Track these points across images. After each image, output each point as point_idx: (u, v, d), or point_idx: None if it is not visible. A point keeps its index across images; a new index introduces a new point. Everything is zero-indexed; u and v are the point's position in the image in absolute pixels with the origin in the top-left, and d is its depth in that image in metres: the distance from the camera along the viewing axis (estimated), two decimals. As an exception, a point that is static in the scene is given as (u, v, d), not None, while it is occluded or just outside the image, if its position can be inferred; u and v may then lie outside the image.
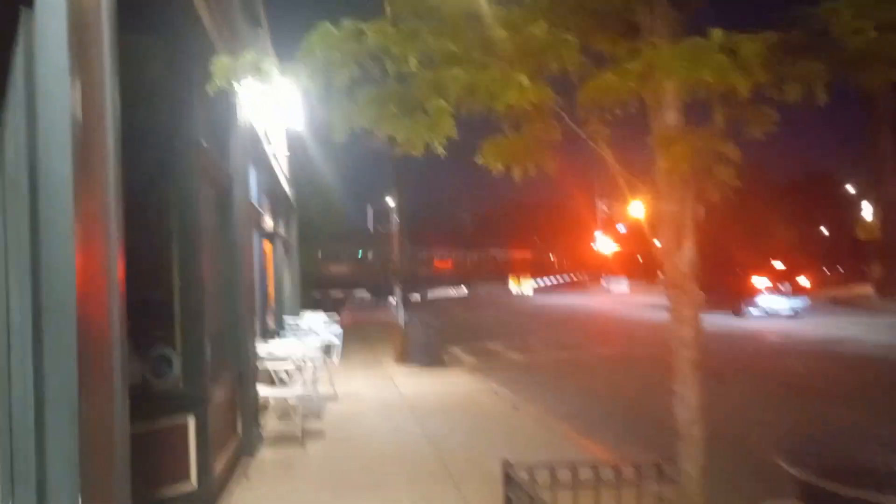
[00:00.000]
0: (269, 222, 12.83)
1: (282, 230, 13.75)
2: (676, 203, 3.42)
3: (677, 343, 3.42)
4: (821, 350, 15.33)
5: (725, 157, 3.24)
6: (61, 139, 2.40)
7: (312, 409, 8.77)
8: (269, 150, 10.61)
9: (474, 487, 5.70)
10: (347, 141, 3.81)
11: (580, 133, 3.71)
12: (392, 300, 25.19)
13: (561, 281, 55.32)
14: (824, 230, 66.58)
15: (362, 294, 37.47)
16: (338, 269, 37.23)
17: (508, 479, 3.45)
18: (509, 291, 47.76)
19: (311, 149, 16.80)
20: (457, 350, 16.18)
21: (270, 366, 8.03)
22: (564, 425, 8.25)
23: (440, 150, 4.39)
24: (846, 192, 56.76)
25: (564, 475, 3.37)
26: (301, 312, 15.12)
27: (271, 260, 12.88)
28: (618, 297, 40.56)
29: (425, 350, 13.52)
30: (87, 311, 2.41)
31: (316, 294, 26.37)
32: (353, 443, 7.41)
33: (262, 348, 8.09)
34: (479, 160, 4.00)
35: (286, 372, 8.28)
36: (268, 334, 10.04)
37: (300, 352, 8.06)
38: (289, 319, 13.24)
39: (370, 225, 53.23)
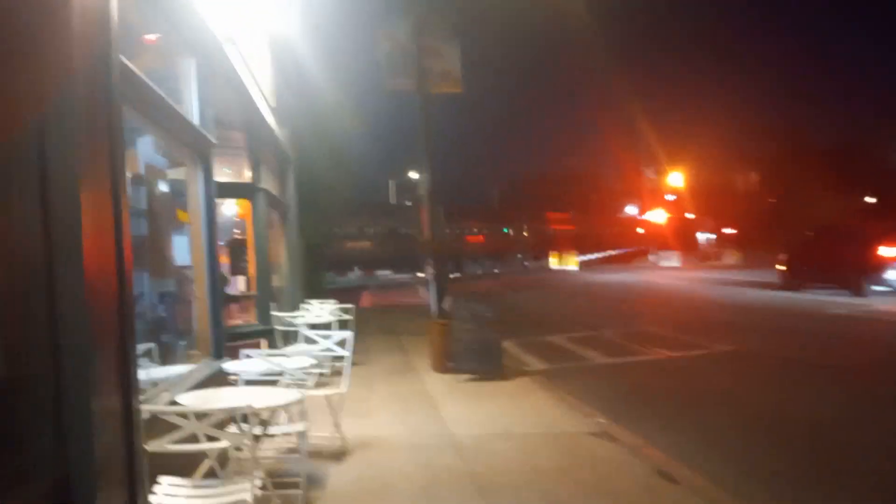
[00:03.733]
0: (247, 172, 8.68)
1: (268, 185, 9.58)
2: None
3: None
4: None
5: None
6: None
7: (296, 487, 4.63)
8: (230, 50, 6.44)
9: None
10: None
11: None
12: (421, 279, 21.13)
13: (604, 255, 50.74)
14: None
15: (385, 273, 33.47)
16: (357, 245, 33.27)
17: None
18: (549, 268, 43.38)
19: (314, 77, 12.59)
20: (512, 346, 12.00)
21: (201, 431, 3.86)
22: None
23: None
24: None
25: None
26: (303, 303, 11.02)
27: (251, 227, 8.75)
28: (673, 272, 36.03)
29: (477, 351, 9.37)
30: None
31: (331, 275, 22.46)
32: None
33: (186, 394, 3.95)
34: None
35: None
36: (223, 349, 5.88)
37: (264, 398, 3.89)
38: (284, 316, 9.15)
39: (392, 199, 49.12)
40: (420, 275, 18.94)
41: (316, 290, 15.50)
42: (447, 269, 14.63)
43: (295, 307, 10.94)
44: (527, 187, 68.30)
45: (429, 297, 19.43)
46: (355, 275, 28.73)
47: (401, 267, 33.81)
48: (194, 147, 5.52)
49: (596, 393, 8.43)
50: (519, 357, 11.39)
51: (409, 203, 40.28)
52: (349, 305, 10.71)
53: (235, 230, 9.30)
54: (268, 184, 9.43)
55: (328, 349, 6.23)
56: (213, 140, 5.71)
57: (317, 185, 15.55)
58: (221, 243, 9.09)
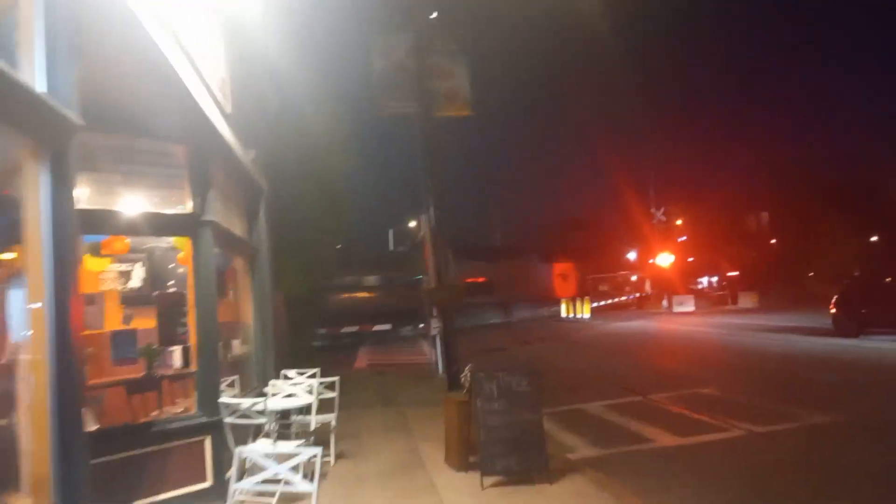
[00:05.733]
0: (188, 200, 6.23)
1: (222, 219, 7.09)
2: None
3: None
4: None
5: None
6: None
7: None
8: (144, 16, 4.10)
9: None
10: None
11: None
12: (427, 332, 18.57)
13: (614, 302, 48.18)
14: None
15: (384, 328, 30.87)
16: (352, 298, 30.76)
17: None
18: (559, 316, 40.67)
19: (297, 97, 10.31)
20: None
21: None
22: None
23: None
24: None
25: None
26: (275, 380, 8.45)
27: (192, 275, 6.24)
28: (691, 318, 33.39)
29: (511, 442, 6.76)
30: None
31: (322, 331, 19.95)
32: None
33: None
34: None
35: None
36: (80, 496, 3.28)
37: None
38: (237, 402, 6.58)
39: (391, 246, 46.75)
40: (421, 326, 16.71)
41: (301, 354, 12.92)
42: (451, 320, 12.11)
43: (266, 381, 8.38)
44: (531, 231, 66.22)
45: (434, 355, 16.86)
46: (351, 331, 26.19)
47: (401, 321, 31.25)
48: (35, 132, 3.08)
49: (689, 502, 5.85)
50: (556, 436, 8.79)
51: (401, 248, 37.88)
52: (333, 379, 8.15)
53: (169, 282, 6.84)
54: (221, 217, 6.96)
55: (284, 479, 3.66)
56: (76, 120, 3.27)
57: (302, 227, 13.15)
58: (155, 294, 6.61)
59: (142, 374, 5.95)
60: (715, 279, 60.11)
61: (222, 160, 7.05)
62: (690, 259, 56.54)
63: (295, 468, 3.69)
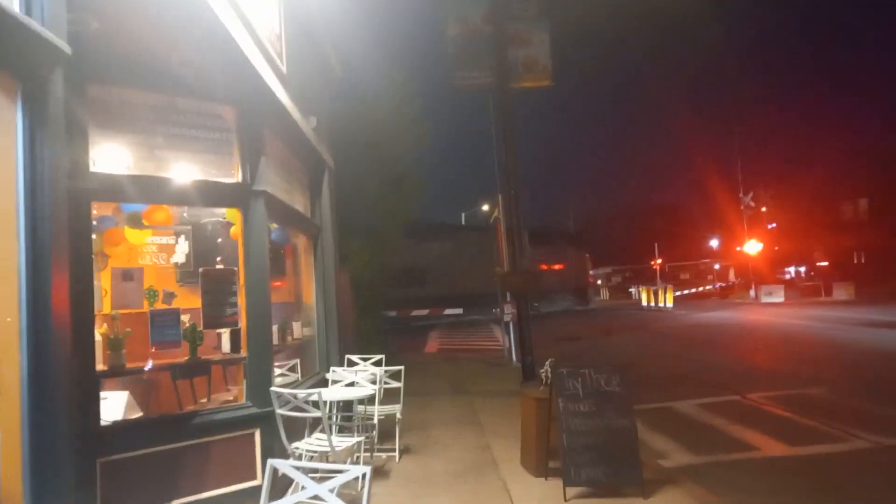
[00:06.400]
0: (238, 167, 5.61)
1: (277, 191, 6.46)
2: None
3: None
4: None
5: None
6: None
7: None
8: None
9: None
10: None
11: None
12: (501, 317, 17.79)
13: (696, 291, 46.01)
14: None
15: (456, 311, 30.27)
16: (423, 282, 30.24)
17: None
18: (639, 304, 39.05)
19: (366, 73, 9.65)
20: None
21: None
22: None
23: None
24: None
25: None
26: (335, 368, 7.84)
27: (243, 251, 5.63)
28: (780, 310, 31.23)
29: (600, 450, 5.84)
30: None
31: (391, 314, 19.50)
32: None
33: None
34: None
35: None
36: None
37: None
38: (290, 393, 5.95)
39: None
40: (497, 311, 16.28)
41: (367, 338, 12.35)
42: (525, 306, 11.27)
43: (329, 366, 7.79)
44: (608, 216, 64.14)
45: (507, 341, 16.04)
46: (421, 314, 25.75)
47: (472, 305, 30.61)
48: (5, 60, 2.42)
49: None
50: (645, 439, 7.82)
51: (463, 223, 36.90)
52: (398, 368, 7.45)
53: (217, 257, 6.27)
54: (277, 188, 6.33)
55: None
56: (64, 48, 2.59)
57: (367, 206, 12.52)
58: (201, 271, 6.04)
59: (186, 358, 5.40)
60: (803, 269, 56.76)
61: (277, 126, 6.41)
62: (777, 248, 53.57)
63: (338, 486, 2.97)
